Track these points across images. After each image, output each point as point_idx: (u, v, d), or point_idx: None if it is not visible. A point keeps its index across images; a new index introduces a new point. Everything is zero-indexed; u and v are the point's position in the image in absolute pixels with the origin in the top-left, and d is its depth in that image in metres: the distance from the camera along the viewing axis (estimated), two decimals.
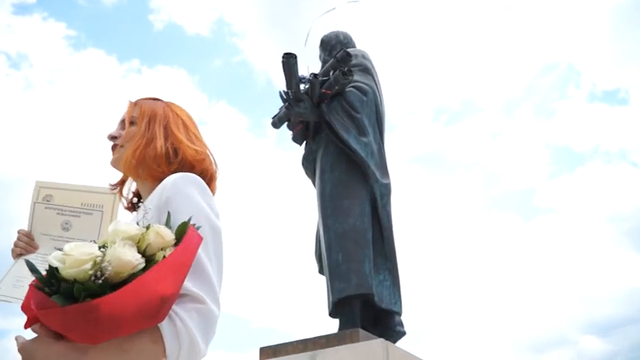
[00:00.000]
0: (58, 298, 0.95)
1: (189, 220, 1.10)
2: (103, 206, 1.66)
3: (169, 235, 1.04)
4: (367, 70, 4.62)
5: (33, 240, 1.67)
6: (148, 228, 1.04)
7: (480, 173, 15.10)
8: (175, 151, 1.34)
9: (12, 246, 1.66)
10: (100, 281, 0.95)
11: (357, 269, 3.92)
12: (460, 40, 15.03)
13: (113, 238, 1.00)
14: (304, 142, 4.65)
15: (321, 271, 4.30)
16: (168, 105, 1.44)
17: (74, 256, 0.96)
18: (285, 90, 4.31)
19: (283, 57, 4.19)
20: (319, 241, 4.29)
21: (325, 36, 4.96)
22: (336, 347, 3.39)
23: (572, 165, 15.68)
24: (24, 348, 1.02)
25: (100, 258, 0.97)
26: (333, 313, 4.02)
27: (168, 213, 1.13)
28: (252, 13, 14.83)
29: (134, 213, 1.43)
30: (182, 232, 1.06)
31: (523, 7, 15.03)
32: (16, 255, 1.64)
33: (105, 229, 1.60)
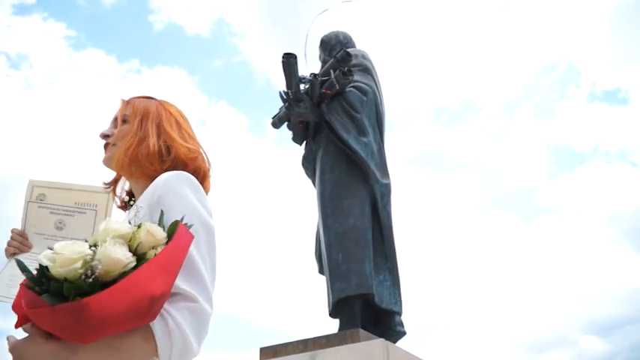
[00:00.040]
0: (48, 297, 0.94)
1: (182, 218, 1.09)
2: (96, 205, 1.66)
3: (161, 234, 1.03)
4: (367, 70, 4.62)
5: (27, 239, 1.67)
6: (139, 226, 1.03)
7: (480, 173, 15.10)
8: (168, 149, 1.34)
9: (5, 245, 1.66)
10: (91, 280, 0.94)
11: (357, 269, 3.91)
12: (460, 40, 15.03)
13: (104, 237, 1.00)
14: (304, 142, 4.64)
15: (321, 271, 4.29)
16: (161, 103, 1.43)
17: (64, 255, 0.96)
18: (285, 90, 4.30)
19: (283, 57, 4.19)
20: (319, 241, 4.28)
21: (325, 36, 4.95)
22: (336, 347, 3.39)
23: (572, 165, 15.68)
24: (15, 348, 1.02)
25: (90, 257, 0.96)
26: (333, 313, 4.02)
27: (161, 211, 1.13)
28: (252, 13, 14.85)
29: (127, 212, 1.42)
30: (173, 230, 1.05)
31: (523, 7, 15.03)
32: (10, 254, 1.64)
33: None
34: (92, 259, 0.96)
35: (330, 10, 4.87)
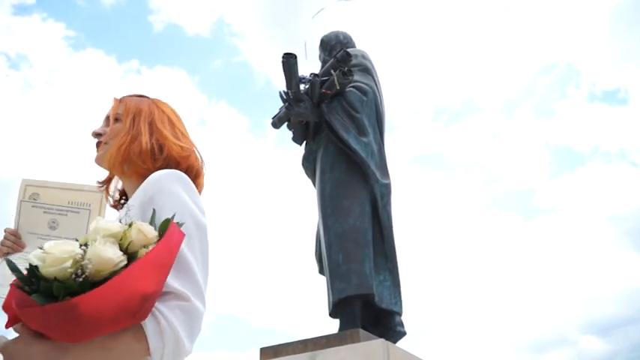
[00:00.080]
0: (38, 296, 0.94)
1: (173, 217, 1.08)
2: (90, 204, 1.65)
3: (152, 232, 1.03)
4: (367, 70, 4.61)
5: (20, 239, 1.66)
6: (130, 225, 1.03)
7: (480, 173, 15.08)
8: (160, 148, 1.33)
9: None
10: (81, 279, 0.94)
11: (357, 269, 3.90)
12: (460, 40, 15.02)
13: (94, 236, 0.99)
14: (304, 142, 4.64)
15: (321, 272, 4.28)
16: (154, 102, 1.42)
17: (54, 254, 0.95)
18: (285, 90, 4.30)
19: (283, 57, 4.19)
20: (319, 241, 4.28)
21: (325, 36, 4.95)
22: (336, 347, 3.38)
23: (572, 165, 15.66)
24: (5, 348, 1.01)
25: (80, 256, 0.95)
26: (333, 314, 4.01)
27: (153, 210, 1.12)
28: (252, 14, 14.86)
29: (119, 211, 1.42)
30: (165, 229, 1.04)
31: (523, 7, 15.01)
32: (3, 254, 1.63)
33: None
34: (82, 259, 0.95)
35: (326, 9, 4.87)
